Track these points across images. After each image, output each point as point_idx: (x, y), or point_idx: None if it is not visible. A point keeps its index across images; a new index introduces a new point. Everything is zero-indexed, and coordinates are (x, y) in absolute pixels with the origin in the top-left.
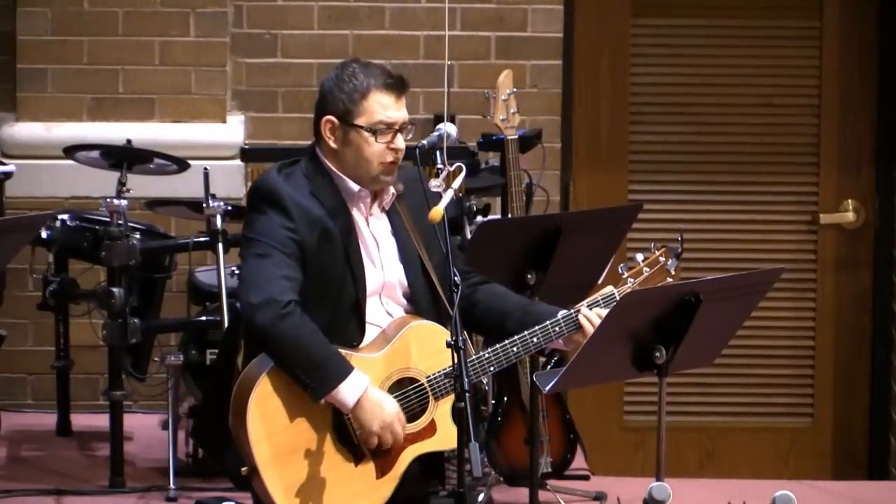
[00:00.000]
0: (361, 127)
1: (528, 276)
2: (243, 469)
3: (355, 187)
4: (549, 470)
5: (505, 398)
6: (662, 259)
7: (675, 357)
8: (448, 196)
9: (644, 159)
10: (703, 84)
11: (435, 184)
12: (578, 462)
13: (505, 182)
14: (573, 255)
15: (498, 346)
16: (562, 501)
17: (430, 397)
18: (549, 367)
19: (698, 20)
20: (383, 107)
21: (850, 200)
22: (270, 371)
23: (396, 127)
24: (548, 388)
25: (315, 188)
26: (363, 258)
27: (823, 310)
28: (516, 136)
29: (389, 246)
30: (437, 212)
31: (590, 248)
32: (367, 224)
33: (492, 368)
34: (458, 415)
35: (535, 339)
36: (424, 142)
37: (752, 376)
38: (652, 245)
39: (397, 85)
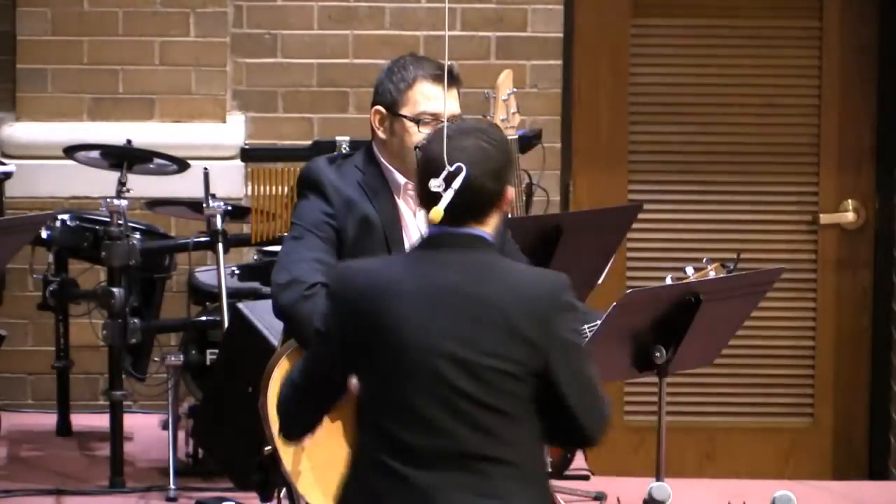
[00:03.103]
0: (406, 117)
1: None
2: (266, 448)
3: (402, 179)
4: (549, 470)
5: None
6: (713, 274)
7: (675, 357)
8: (448, 196)
9: (644, 159)
10: (703, 84)
11: (435, 184)
12: (578, 462)
13: None
14: (573, 255)
15: None
16: (562, 501)
17: None
18: None
19: (698, 20)
20: (427, 98)
21: (850, 200)
22: (292, 351)
23: (442, 119)
24: None
25: (364, 179)
26: (404, 249)
27: (823, 310)
28: (516, 136)
29: None
30: (437, 212)
31: (590, 248)
32: (414, 217)
33: None
34: None
35: None
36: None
37: (752, 376)
38: (704, 259)
39: (445, 77)
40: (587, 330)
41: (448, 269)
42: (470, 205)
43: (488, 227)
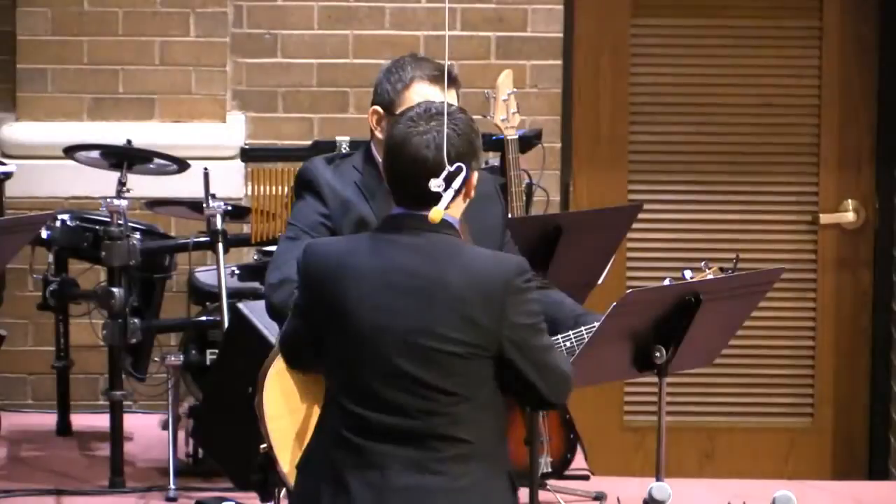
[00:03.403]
0: None
1: None
2: (262, 446)
3: None
4: (549, 470)
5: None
6: (712, 277)
7: (675, 357)
8: (448, 196)
9: (644, 159)
10: (703, 84)
11: (435, 184)
12: (578, 462)
13: (505, 182)
14: (573, 255)
15: None
16: (562, 501)
17: None
18: None
19: (698, 20)
20: (424, 98)
21: (850, 200)
22: None
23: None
24: None
25: (362, 180)
26: None
27: (823, 310)
28: (516, 136)
29: None
30: (437, 212)
31: (590, 248)
32: None
33: None
34: None
35: (567, 344)
36: None
37: (752, 376)
38: (703, 263)
39: (443, 78)
40: (585, 333)
41: (407, 251)
42: (428, 189)
43: (451, 211)
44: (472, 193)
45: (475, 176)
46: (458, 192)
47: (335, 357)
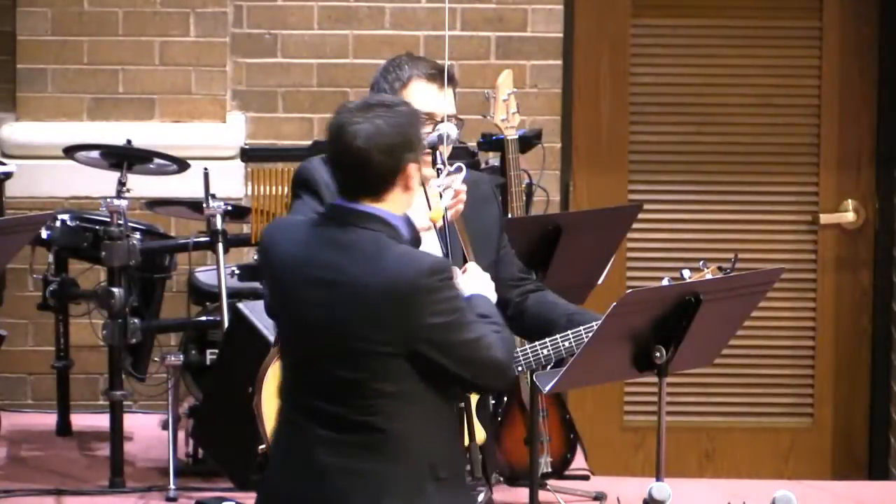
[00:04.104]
0: None
1: None
2: (262, 447)
3: None
4: (549, 470)
5: (505, 398)
6: (710, 276)
7: (675, 357)
8: (448, 196)
9: (644, 159)
10: (703, 84)
11: (435, 184)
12: (578, 462)
13: (505, 182)
14: (573, 255)
15: (528, 347)
16: (562, 501)
17: None
18: (548, 367)
19: (698, 20)
20: (422, 96)
21: (850, 200)
22: None
23: (438, 118)
24: (548, 388)
25: None
26: None
27: (823, 310)
28: (516, 136)
29: (431, 244)
30: (437, 212)
31: (590, 248)
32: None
33: (519, 369)
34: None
35: (566, 344)
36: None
37: (752, 376)
38: (701, 262)
39: (441, 76)
40: (584, 333)
41: (330, 246)
42: (359, 179)
43: (388, 205)
44: (412, 186)
45: (411, 167)
46: (389, 184)
47: (280, 338)
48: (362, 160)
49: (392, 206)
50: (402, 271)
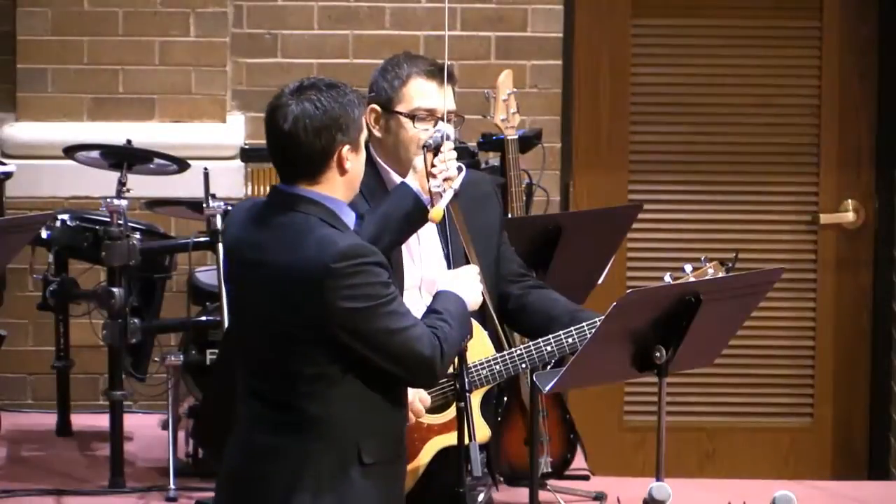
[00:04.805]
0: (401, 113)
1: None
2: None
3: (398, 179)
4: (549, 470)
5: (505, 398)
6: (712, 272)
7: (675, 357)
8: (448, 196)
9: (644, 159)
10: (703, 84)
11: (435, 184)
12: (578, 462)
13: (505, 182)
14: (573, 255)
15: (531, 343)
16: (562, 501)
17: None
18: (548, 367)
19: (698, 20)
20: (422, 93)
21: (850, 200)
22: None
23: (438, 115)
24: (548, 388)
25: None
26: (401, 251)
27: (823, 310)
28: (516, 136)
29: (432, 242)
30: (438, 212)
31: (590, 248)
32: None
33: (523, 366)
34: (458, 414)
35: (569, 340)
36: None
37: (752, 376)
38: (703, 258)
39: (440, 74)
40: (587, 329)
41: (265, 229)
42: (291, 161)
43: (325, 188)
44: (347, 168)
45: (344, 149)
46: (323, 166)
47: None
48: (290, 142)
49: (329, 188)
50: (316, 255)
